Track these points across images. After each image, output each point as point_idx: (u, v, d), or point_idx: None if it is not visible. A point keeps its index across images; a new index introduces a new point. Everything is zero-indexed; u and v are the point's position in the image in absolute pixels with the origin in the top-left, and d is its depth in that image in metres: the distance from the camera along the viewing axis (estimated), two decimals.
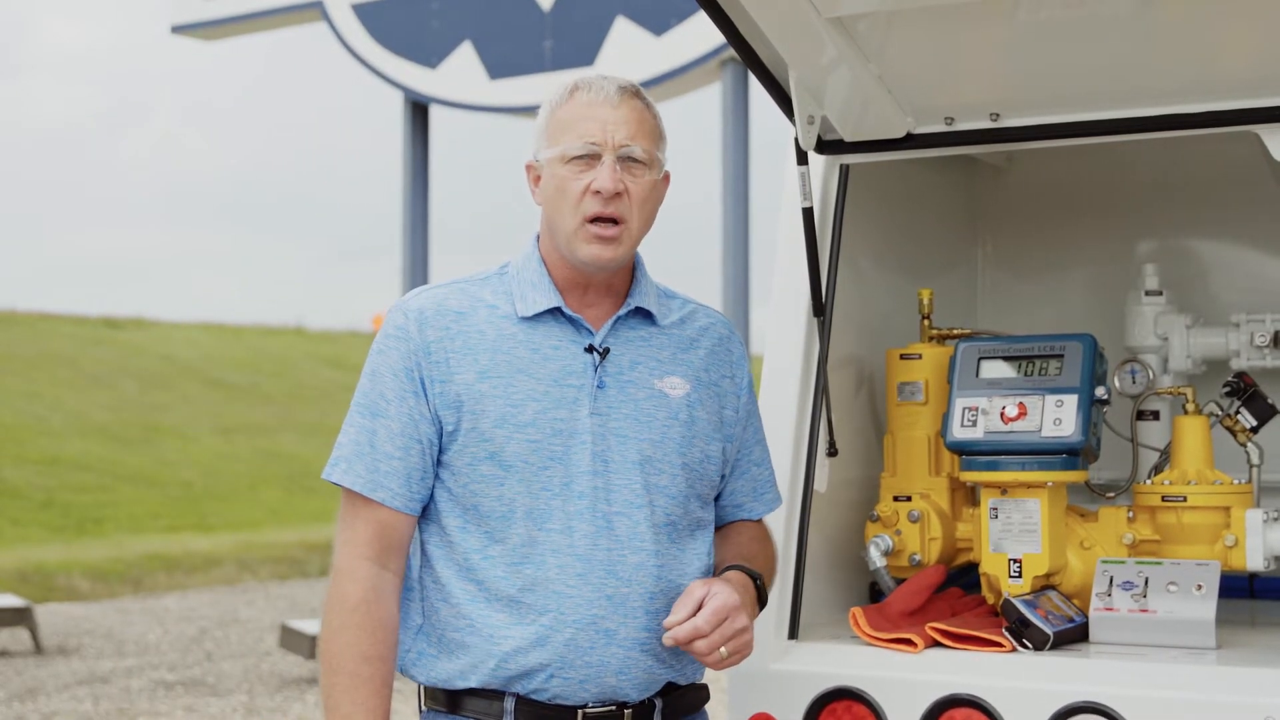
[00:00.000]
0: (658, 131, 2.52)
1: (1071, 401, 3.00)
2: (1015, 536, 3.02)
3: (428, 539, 2.51)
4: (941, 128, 3.04)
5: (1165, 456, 3.27)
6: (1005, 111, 2.98)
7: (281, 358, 28.80)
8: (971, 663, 2.83)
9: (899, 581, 3.15)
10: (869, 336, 3.39)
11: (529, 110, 13.89)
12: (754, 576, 2.54)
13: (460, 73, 14.72)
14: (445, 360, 2.47)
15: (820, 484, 3.12)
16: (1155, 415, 3.37)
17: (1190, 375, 3.41)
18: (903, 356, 3.30)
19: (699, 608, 2.39)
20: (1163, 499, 3.08)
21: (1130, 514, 3.13)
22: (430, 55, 14.91)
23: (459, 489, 2.46)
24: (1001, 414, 3.03)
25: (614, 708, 2.46)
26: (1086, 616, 2.96)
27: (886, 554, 3.17)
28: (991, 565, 3.05)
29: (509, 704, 2.44)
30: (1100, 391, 3.03)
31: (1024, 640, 2.86)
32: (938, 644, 2.89)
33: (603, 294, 2.54)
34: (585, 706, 2.44)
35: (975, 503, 3.23)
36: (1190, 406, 3.20)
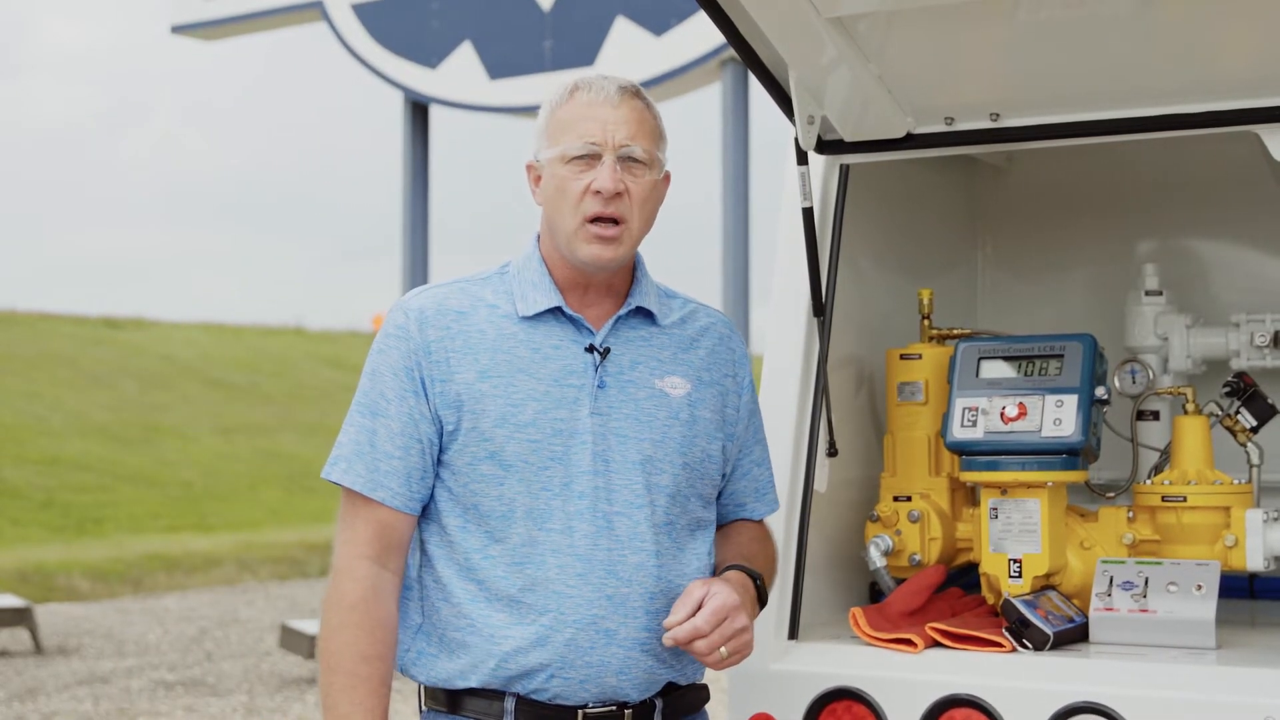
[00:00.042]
0: (658, 131, 2.52)
1: (1071, 401, 3.00)
2: (1015, 536, 3.02)
3: (428, 538, 2.51)
4: (941, 128, 3.04)
5: (1165, 456, 3.27)
6: (1005, 111, 2.98)
7: (281, 358, 28.80)
8: (971, 663, 2.83)
9: (899, 581, 3.15)
10: (869, 336, 3.39)
11: (529, 110, 13.91)
12: (754, 576, 2.54)
13: (460, 73, 14.72)
14: (445, 360, 2.47)
15: (820, 484, 3.12)
16: (1155, 415, 3.37)
17: (1190, 375, 3.41)
18: (903, 356, 3.30)
19: (698, 608, 2.39)
20: (1163, 499, 3.08)
21: (1130, 514, 3.13)
22: (430, 55, 14.91)
23: (459, 489, 2.46)
24: (1001, 414, 3.03)
25: (614, 708, 2.46)
26: (1086, 616, 2.96)
27: (886, 554, 3.17)
28: (991, 565, 3.05)
29: (509, 704, 2.44)
30: (1100, 391, 3.03)
31: (1024, 640, 2.86)
32: (938, 644, 2.89)
33: (603, 294, 2.54)
34: (585, 706, 2.44)
35: (975, 503, 3.23)
36: (1190, 406, 3.20)
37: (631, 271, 2.58)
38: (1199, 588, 2.89)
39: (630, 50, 13.46)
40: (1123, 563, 3.00)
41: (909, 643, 2.88)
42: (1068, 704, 2.68)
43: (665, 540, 2.49)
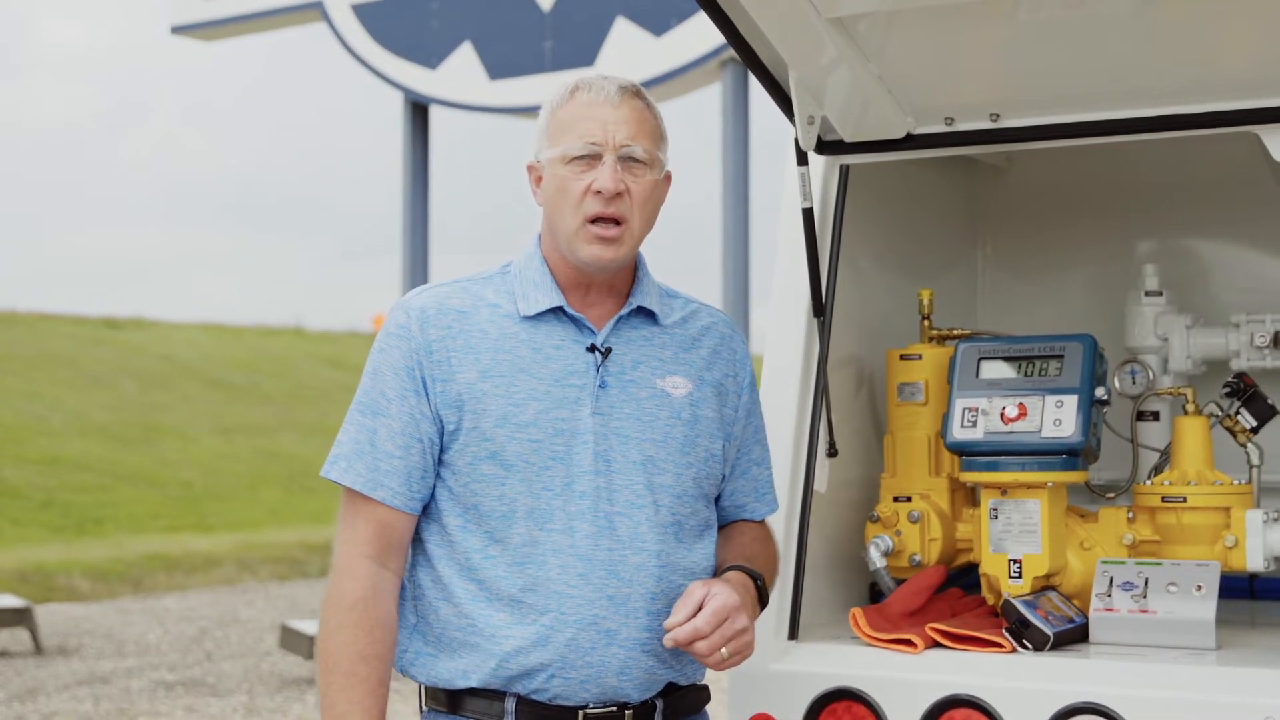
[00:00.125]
0: (659, 131, 2.52)
1: (1071, 402, 3.00)
2: (1015, 537, 3.02)
3: (428, 538, 2.51)
4: (941, 128, 3.04)
5: (1165, 457, 3.27)
6: (1005, 112, 2.98)
7: (281, 358, 28.80)
8: (971, 663, 2.83)
9: (899, 582, 3.15)
10: (869, 336, 3.39)
11: (529, 110, 13.91)
12: (755, 577, 2.54)
13: (460, 73, 14.72)
14: (447, 359, 2.47)
15: (820, 484, 3.12)
16: (1155, 416, 3.37)
17: (1190, 376, 3.41)
18: (903, 357, 3.30)
19: (699, 608, 2.39)
20: (1163, 499, 3.08)
21: (1130, 514, 3.13)
22: (430, 55, 14.91)
23: (460, 488, 2.46)
24: (1001, 414, 3.03)
25: (615, 708, 2.46)
26: (1086, 617, 2.96)
27: (886, 554, 3.17)
28: (991, 566, 3.05)
29: (510, 704, 2.44)
30: (1100, 392, 3.03)
31: (1024, 641, 2.86)
32: (938, 644, 2.89)
33: (605, 294, 2.54)
34: (586, 707, 2.44)
35: (975, 503, 3.23)
36: (1190, 407, 3.20)
37: (633, 271, 2.58)
38: (1199, 588, 2.89)
39: (630, 50, 13.45)
40: (1123, 563, 3.00)
41: (909, 643, 2.88)
42: (1068, 704, 2.68)
43: (667, 540, 2.49)
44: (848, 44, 2.87)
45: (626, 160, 2.46)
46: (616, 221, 2.46)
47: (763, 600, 2.55)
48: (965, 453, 3.06)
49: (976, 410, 3.06)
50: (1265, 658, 2.79)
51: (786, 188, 3.20)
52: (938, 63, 2.93)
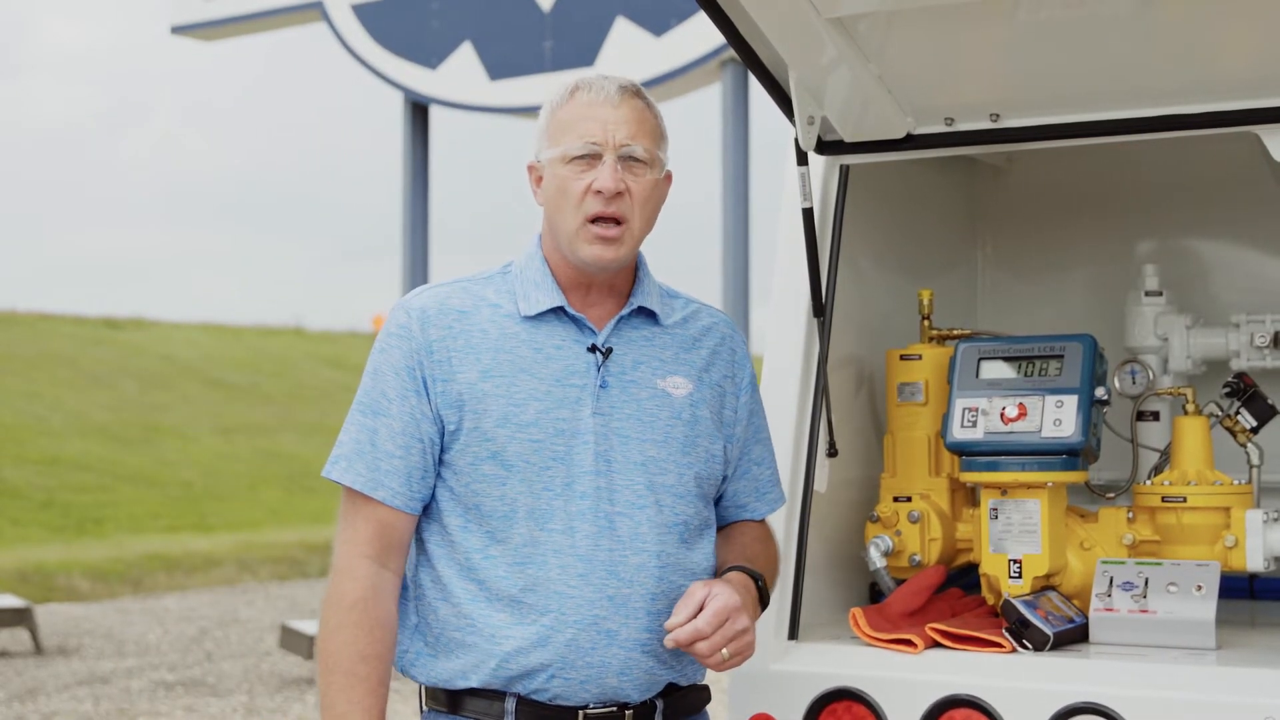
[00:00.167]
0: (659, 131, 2.52)
1: (1071, 402, 3.00)
2: (1015, 537, 3.02)
3: (429, 538, 2.51)
4: (941, 128, 3.04)
5: (1165, 457, 3.27)
6: (1005, 112, 2.98)
7: (281, 358, 28.80)
8: (971, 663, 2.83)
9: (899, 582, 3.15)
10: (869, 336, 3.39)
11: (529, 111, 13.91)
12: (755, 577, 2.54)
13: (460, 73, 14.71)
14: (447, 359, 2.47)
15: (820, 484, 3.12)
16: (1155, 416, 3.36)
17: (1190, 376, 3.41)
18: (903, 357, 3.30)
19: (700, 609, 2.39)
20: (1163, 499, 3.08)
21: (1130, 514, 3.13)
22: (430, 55, 14.91)
23: (461, 488, 2.46)
24: (1001, 414, 3.03)
25: (615, 708, 2.46)
26: (1086, 617, 2.96)
27: (886, 554, 3.17)
28: (991, 566, 3.05)
29: (510, 704, 2.44)
30: (1100, 392, 3.03)
31: (1024, 641, 2.86)
32: (938, 644, 2.89)
33: (605, 294, 2.54)
34: (586, 707, 2.44)
35: (975, 503, 3.23)
36: (1190, 407, 3.20)
37: (634, 271, 2.58)
38: (1199, 588, 2.89)
39: (630, 50, 13.45)
40: (1123, 563, 3.00)
41: (909, 643, 2.88)
42: (1068, 704, 2.68)
43: (667, 541, 2.49)
44: (848, 44, 2.87)
45: (627, 160, 2.46)
46: (617, 221, 2.46)
47: (764, 600, 2.55)
48: (965, 453, 3.06)
49: (976, 410, 3.06)
50: (1265, 658, 2.79)
51: (786, 188, 3.20)
52: (938, 63, 2.93)
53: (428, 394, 2.46)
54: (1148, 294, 3.43)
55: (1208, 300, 3.59)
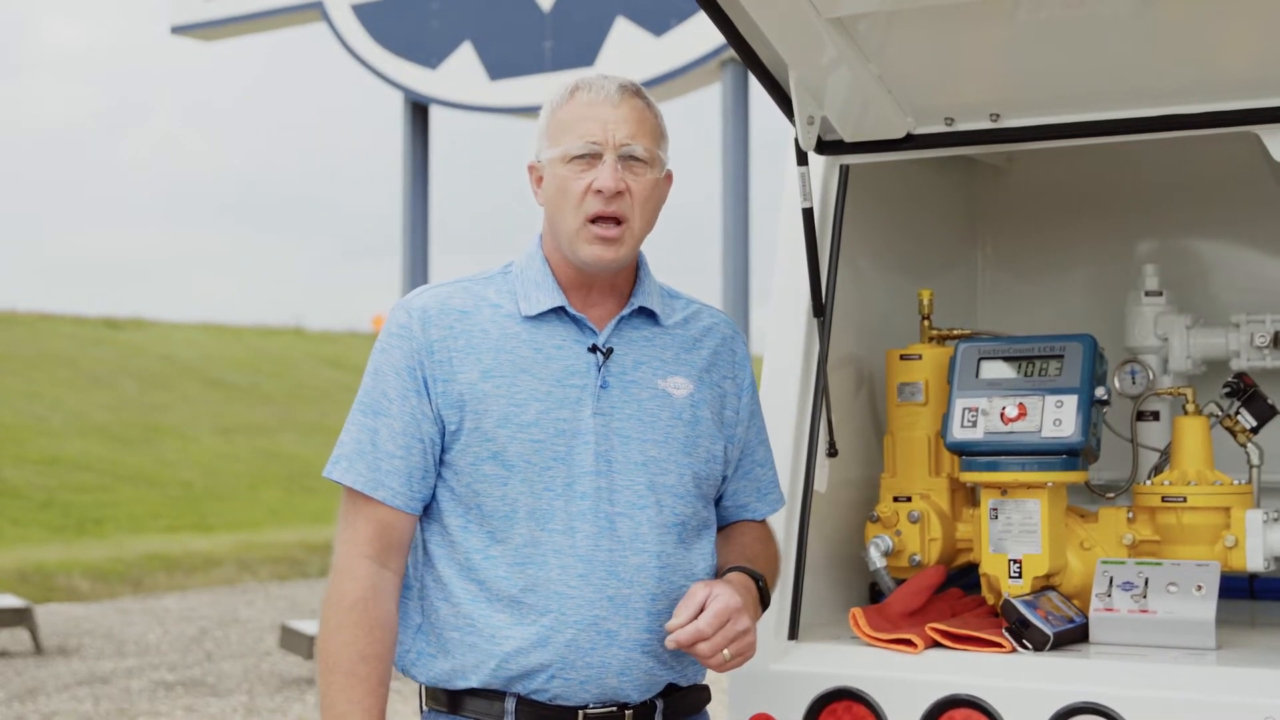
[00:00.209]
0: (659, 130, 2.52)
1: (1071, 402, 3.00)
2: (1015, 537, 3.02)
3: (429, 538, 2.51)
4: (941, 128, 3.04)
5: (1165, 457, 3.27)
6: (1005, 112, 2.98)
7: (281, 358, 28.80)
8: (971, 663, 2.83)
9: (899, 582, 3.15)
10: (869, 336, 3.39)
11: (529, 111, 13.91)
12: (756, 578, 2.54)
13: (460, 73, 14.72)
14: (448, 359, 2.47)
15: (820, 484, 3.12)
16: (1155, 416, 3.37)
17: (1190, 376, 3.41)
18: (903, 357, 3.30)
19: (701, 610, 2.39)
20: (1163, 499, 3.08)
21: (1130, 514, 3.13)
22: (430, 55, 14.91)
23: (461, 488, 2.46)
24: (1001, 414, 3.03)
25: (615, 709, 2.45)
26: (1086, 617, 2.96)
27: (886, 554, 3.17)
28: (991, 566, 3.05)
29: (510, 704, 2.44)
30: (1100, 392, 3.03)
31: (1024, 641, 2.86)
32: (938, 644, 2.89)
33: (606, 294, 2.54)
34: (586, 707, 2.44)
35: (975, 503, 3.23)
36: (1190, 407, 3.20)
37: (635, 271, 2.58)
38: (1199, 588, 2.89)
39: (630, 50, 13.45)
40: (1123, 563, 3.00)
41: (909, 643, 2.88)
42: (1068, 704, 2.68)
43: (667, 541, 2.49)
44: (848, 44, 2.87)
45: (627, 159, 2.46)
46: (617, 221, 2.46)
47: (764, 601, 2.55)
48: (965, 453, 3.06)
49: (976, 410, 3.06)
50: (1265, 658, 2.79)
51: (786, 188, 3.20)
52: (938, 63, 2.93)
53: (428, 394, 2.46)
54: (1148, 294, 3.43)
55: (1208, 300, 3.59)
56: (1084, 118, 2.92)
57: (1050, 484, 3.00)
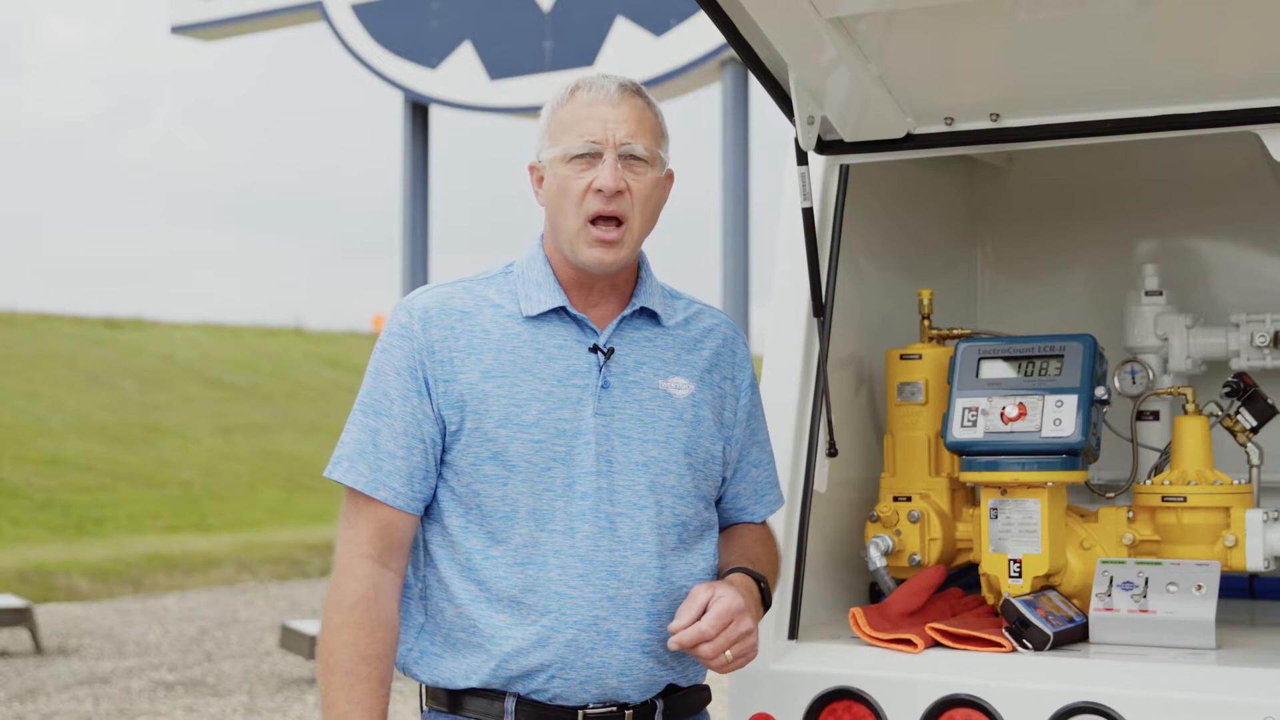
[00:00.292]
0: (659, 129, 2.52)
1: (1071, 402, 3.00)
2: (1015, 537, 3.02)
3: (430, 538, 2.51)
4: (941, 128, 3.04)
5: (1165, 457, 3.27)
6: (1005, 111, 2.98)
7: (281, 358, 28.80)
8: (971, 663, 2.82)
9: (899, 582, 3.15)
10: (869, 336, 3.39)
11: (529, 110, 13.92)
12: (758, 579, 2.54)
13: (460, 73, 14.72)
14: (449, 359, 2.46)
15: (820, 484, 3.12)
16: (1155, 415, 3.37)
17: (1190, 375, 3.41)
18: (903, 357, 3.30)
19: (703, 611, 2.39)
20: (1163, 499, 3.08)
21: (1130, 514, 3.13)
22: (430, 55, 14.91)
23: (462, 489, 2.46)
24: (1001, 414, 3.03)
25: (615, 709, 2.45)
26: (1086, 617, 2.96)
27: (886, 554, 3.17)
28: (991, 565, 3.05)
29: (510, 704, 2.44)
30: (1100, 392, 3.04)
31: (1024, 640, 2.86)
32: (938, 644, 2.89)
33: (607, 294, 2.54)
34: (586, 707, 2.44)
35: (975, 503, 3.23)
36: (1190, 407, 3.20)
37: (636, 271, 2.58)
38: (1199, 588, 2.89)
39: (630, 50, 13.46)
40: (1123, 563, 3.00)
41: (909, 643, 2.88)
42: (1068, 704, 2.68)
43: (668, 541, 2.49)
44: (848, 44, 2.87)
45: (627, 158, 2.46)
46: (618, 221, 2.46)
47: (766, 602, 2.55)
48: (965, 452, 3.06)
49: (976, 410, 3.06)
50: (1265, 658, 2.79)
51: (786, 188, 3.20)
52: (938, 63, 2.93)
53: (429, 394, 2.46)
54: (1148, 294, 3.43)
55: (1208, 300, 3.59)
56: (1084, 118, 2.92)
57: (1050, 484, 3.01)
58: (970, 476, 3.07)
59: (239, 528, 18.48)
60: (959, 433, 3.06)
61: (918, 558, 3.16)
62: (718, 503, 2.65)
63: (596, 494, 2.44)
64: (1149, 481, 3.17)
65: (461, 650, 2.45)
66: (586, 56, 13.61)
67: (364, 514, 2.46)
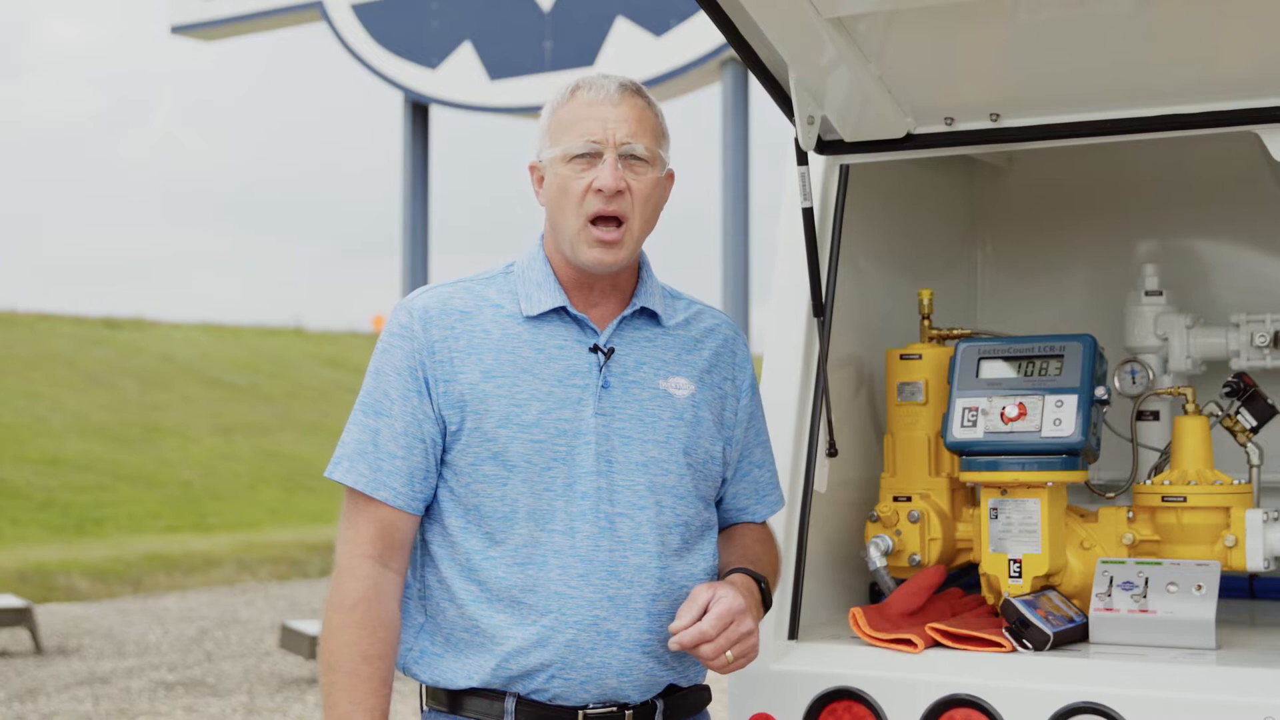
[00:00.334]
0: (660, 129, 2.52)
1: (1071, 402, 3.00)
2: (1015, 537, 3.02)
3: (431, 538, 2.51)
4: (941, 128, 3.04)
5: (1165, 457, 3.27)
6: (1005, 111, 2.98)
7: (281, 358, 28.80)
8: (971, 663, 2.82)
9: (899, 582, 3.15)
10: (869, 336, 3.39)
11: (529, 110, 13.92)
12: (758, 579, 2.54)
13: (460, 73, 14.72)
14: (449, 359, 2.47)
15: (820, 484, 3.12)
16: (1155, 415, 3.37)
17: (1190, 375, 3.41)
18: (903, 357, 3.30)
19: (704, 612, 2.39)
20: (1163, 499, 3.08)
21: (1130, 514, 3.13)
22: (430, 55, 14.91)
23: (462, 489, 2.46)
24: (1001, 414, 3.04)
25: (615, 709, 2.45)
26: (1086, 616, 2.96)
27: (886, 554, 3.17)
28: (991, 565, 3.05)
29: (509, 704, 2.44)
30: (1100, 392, 3.04)
31: (1024, 640, 2.86)
32: (938, 644, 2.89)
33: (608, 294, 2.54)
34: (586, 707, 2.44)
35: (975, 503, 3.23)
36: (1190, 407, 3.20)
37: (637, 271, 2.58)
38: (1199, 588, 2.89)
39: (630, 50, 13.46)
40: (1123, 563, 3.00)
41: (909, 643, 2.88)
42: (1068, 704, 2.68)
43: (668, 542, 2.49)
44: (848, 44, 2.87)
45: (627, 158, 2.46)
46: (618, 221, 2.46)
47: (766, 603, 2.55)
48: (965, 452, 3.06)
49: (976, 410, 3.06)
50: (1265, 658, 2.79)
51: (786, 188, 3.20)
52: (938, 63, 2.93)
53: (430, 394, 2.46)
54: (1148, 294, 3.43)
55: (1208, 300, 3.59)
56: (1084, 118, 2.92)
57: (1050, 484, 3.00)
58: (970, 476, 3.07)
59: (239, 528, 18.48)
60: (959, 433, 3.06)
61: (918, 558, 3.16)
62: (718, 503, 2.65)
63: (596, 494, 2.44)
64: (1149, 481, 3.17)
65: (461, 650, 2.45)
66: (586, 56, 13.61)
67: (364, 514, 2.46)
